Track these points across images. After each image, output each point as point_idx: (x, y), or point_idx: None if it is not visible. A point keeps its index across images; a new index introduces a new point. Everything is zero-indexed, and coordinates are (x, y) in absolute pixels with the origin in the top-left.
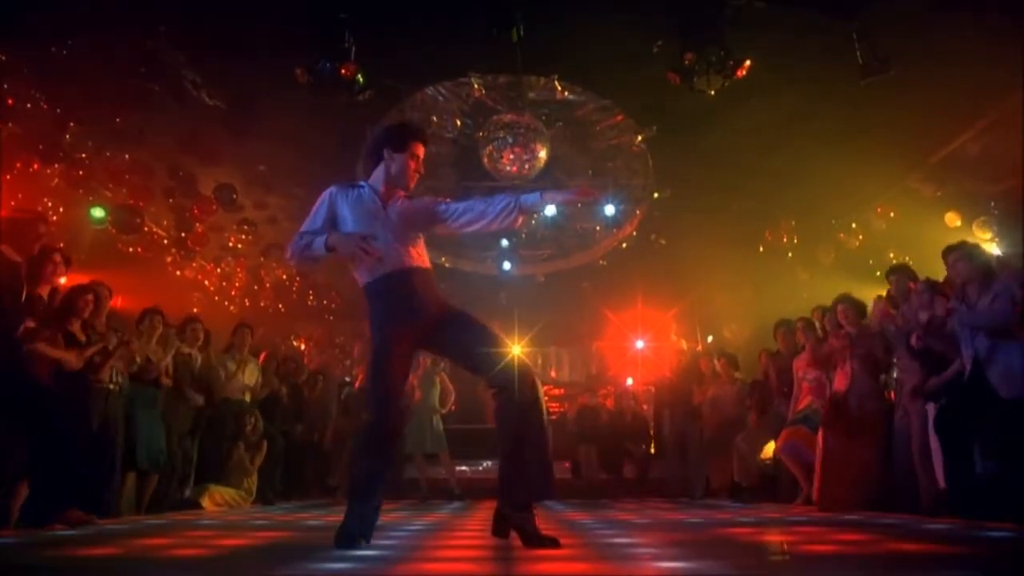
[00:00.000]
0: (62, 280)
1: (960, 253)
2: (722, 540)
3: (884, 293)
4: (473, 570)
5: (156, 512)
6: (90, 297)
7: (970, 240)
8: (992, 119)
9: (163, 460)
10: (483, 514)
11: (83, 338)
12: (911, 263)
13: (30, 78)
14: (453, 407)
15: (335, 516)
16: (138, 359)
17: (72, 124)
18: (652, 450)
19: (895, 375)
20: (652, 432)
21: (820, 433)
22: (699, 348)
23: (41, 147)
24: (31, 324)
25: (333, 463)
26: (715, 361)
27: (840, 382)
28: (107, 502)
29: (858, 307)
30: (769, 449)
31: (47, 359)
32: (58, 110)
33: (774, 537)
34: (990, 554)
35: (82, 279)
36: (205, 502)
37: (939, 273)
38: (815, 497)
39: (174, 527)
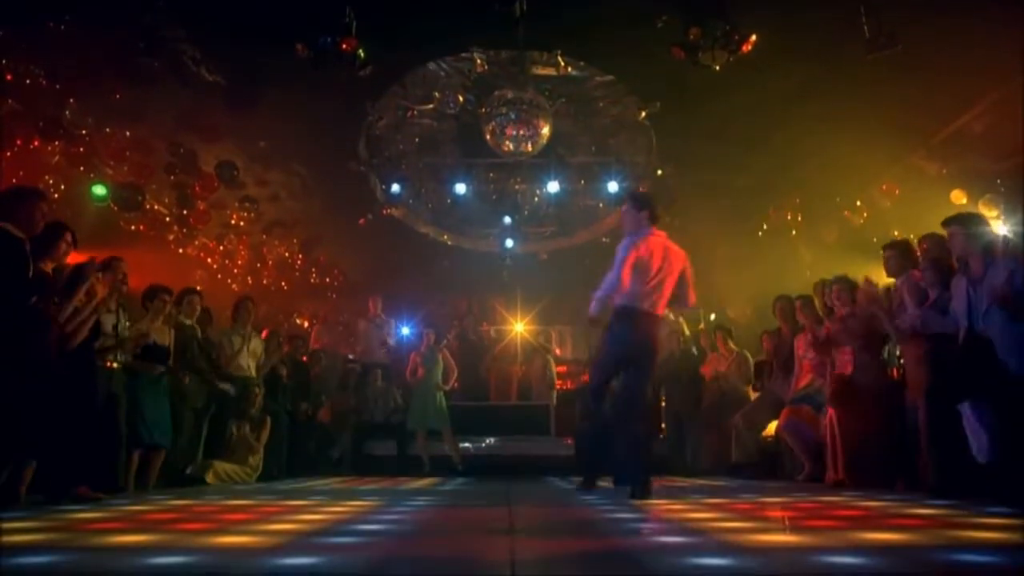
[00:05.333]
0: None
1: (958, 227)
2: (722, 516)
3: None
4: (477, 546)
5: (161, 488)
6: (99, 275)
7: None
8: (998, 97)
9: (168, 437)
10: (486, 489)
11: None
12: (915, 241)
13: (28, 53)
14: (456, 384)
15: (337, 492)
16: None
17: (72, 100)
18: (663, 427)
19: (898, 352)
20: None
21: (831, 413)
22: (700, 326)
23: (41, 124)
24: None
25: (335, 439)
26: (714, 335)
27: (844, 364)
28: (114, 479)
29: (852, 287)
30: (770, 427)
31: (55, 336)
32: (57, 86)
33: (774, 513)
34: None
35: (83, 258)
36: (209, 478)
37: None
38: (838, 476)
39: (180, 503)
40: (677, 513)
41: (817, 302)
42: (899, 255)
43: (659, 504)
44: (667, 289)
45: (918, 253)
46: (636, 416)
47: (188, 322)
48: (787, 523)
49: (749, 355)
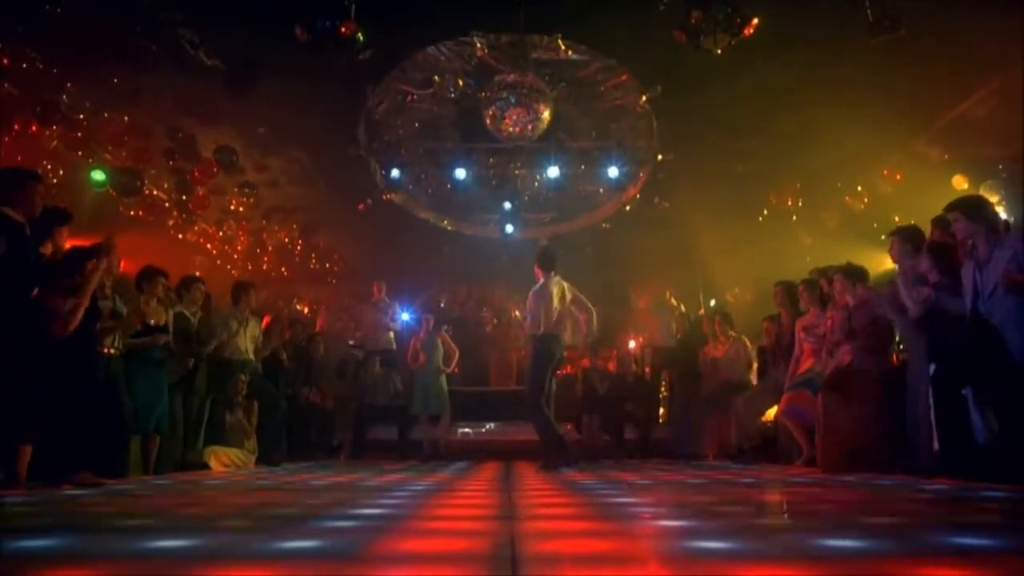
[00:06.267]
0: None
1: (960, 212)
2: (722, 500)
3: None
4: (477, 530)
5: (163, 474)
6: (95, 262)
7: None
8: (1000, 83)
9: (165, 422)
10: (485, 475)
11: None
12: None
13: (25, 36)
14: (456, 369)
15: (338, 476)
16: (138, 323)
17: (69, 84)
18: (660, 411)
19: (898, 338)
20: (660, 395)
21: (819, 397)
22: (701, 312)
23: (38, 108)
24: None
25: (337, 424)
26: (713, 320)
27: (844, 353)
28: (114, 464)
29: (855, 275)
30: (771, 411)
31: (60, 321)
32: (54, 70)
33: (773, 497)
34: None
35: (83, 243)
36: (212, 463)
37: None
38: (817, 459)
39: (182, 487)
40: (677, 496)
41: (824, 286)
42: (902, 240)
43: (660, 487)
44: (564, 319)
45: (928, 237)
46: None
47: (191, 310)
48: (786, 507)
49: (747, 341)
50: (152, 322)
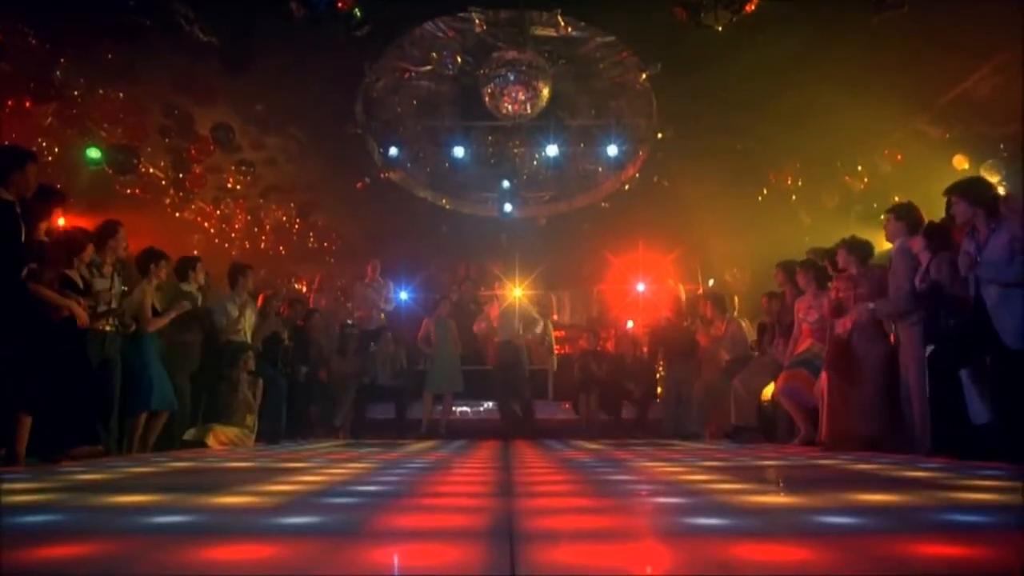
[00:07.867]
0: (60, 221)
1: (959, 195)
2: (719, 477)
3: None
4: (475, 507)
5: (162, 451)
6: (92, 246)
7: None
8: (1002, 61)
9: (171, 400)
10: (483, 453)
11: (80, 283)
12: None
13: (16, 11)
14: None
15: (337, 454)
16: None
17: (63, 61)
18: (659, 391)
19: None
20: (657, 375)
21: (823, 375)
22: (699, 291)
23: (32, 85)
24: (35, 267)
25: (335, 402)
26: (705, 305)
27: (845, 325)
28: (109, 440)
29: (860, 248)
30: (768, 391)
31: (55, 303)
32: (47, 45)
33: (771, 475)
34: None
35: (79, 222)
36: (210, 441)
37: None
38: (819, 438)
39: (181, 464)
40: (675, 475)
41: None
42: (896, 219)
43: (658, 466)
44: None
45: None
46: None
47: (189, 289)
48: (782, 485)
49: (744, 322)
50: (155, 305)
